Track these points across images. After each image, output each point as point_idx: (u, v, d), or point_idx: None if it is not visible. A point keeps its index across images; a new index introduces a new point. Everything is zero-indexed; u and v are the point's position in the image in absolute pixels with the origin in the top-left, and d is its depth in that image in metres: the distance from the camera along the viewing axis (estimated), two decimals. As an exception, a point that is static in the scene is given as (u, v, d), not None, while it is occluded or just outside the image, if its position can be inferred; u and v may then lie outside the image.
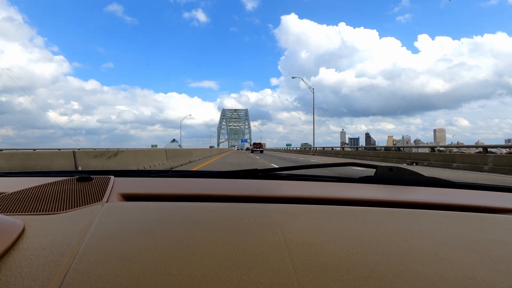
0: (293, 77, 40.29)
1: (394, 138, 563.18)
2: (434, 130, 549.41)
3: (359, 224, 0.46)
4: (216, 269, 0.31)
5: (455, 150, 18.88)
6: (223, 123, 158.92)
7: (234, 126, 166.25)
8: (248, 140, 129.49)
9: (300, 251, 0.35)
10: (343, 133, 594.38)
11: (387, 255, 0.35)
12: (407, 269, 0.32)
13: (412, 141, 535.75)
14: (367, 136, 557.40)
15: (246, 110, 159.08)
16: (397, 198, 0.65)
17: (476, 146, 15.18)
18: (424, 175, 0.86)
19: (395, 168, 0.86)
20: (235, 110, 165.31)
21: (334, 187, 0.79)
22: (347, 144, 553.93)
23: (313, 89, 35.56)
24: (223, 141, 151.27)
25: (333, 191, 0.74)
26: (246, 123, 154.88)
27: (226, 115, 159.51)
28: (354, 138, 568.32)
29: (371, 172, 0.89)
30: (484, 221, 0.50)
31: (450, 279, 0.31)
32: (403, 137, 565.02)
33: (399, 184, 0.82)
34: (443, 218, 0.51)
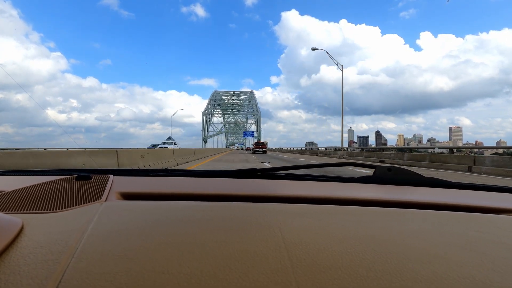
0: (313, 49, 28.74)
1: (404, 137, 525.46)
2: (450, 128, 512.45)
3: (357, 224, 0.46)
4: (215, 268, 0.31)
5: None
6: (217, 110, 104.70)
7: (233, 116, 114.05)
8: (256, 135, 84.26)
9: (299, 250, 0.35)
10: (350, 131, 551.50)
11: (385, 254, 0.36)
12: (405, 268, 0.32)
13: (425, 141, 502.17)
14: (378, 134, 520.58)
15: (251, 93, 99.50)
16: (395, 198, 0.65)
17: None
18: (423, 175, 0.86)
19: (394, 168, 0.86)
20: (234, 92, 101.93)
21: (332, 187, 0.79)
22: (356, 143, 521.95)
23: (341, 65, 25.79)
24: (213, 134, 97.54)
25: (332, 191, 0.74)
26: (252, 112, 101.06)
27: (222, 100, 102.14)
28: (363, 137, 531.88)
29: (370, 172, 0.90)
30: (482, 221, 0.50)
31: (448, 279, 0.31)
32: (414, 135, 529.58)
33: (397, 184, 0.82)
34: (441, 218, 0.51)
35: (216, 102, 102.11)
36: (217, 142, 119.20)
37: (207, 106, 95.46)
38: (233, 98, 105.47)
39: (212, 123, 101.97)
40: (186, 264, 0.32)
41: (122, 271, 0.30)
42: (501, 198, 0.74)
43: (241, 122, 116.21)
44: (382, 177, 0.86)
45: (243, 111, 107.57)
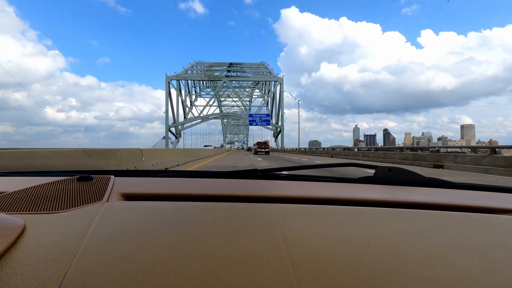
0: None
1: (413, 135, 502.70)
2: (462, 126, 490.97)
3: (358, 224, 0.46)
4: (216, 269, 0.31)
5: None
6: (206, 86, 67.02)
7: (232, 103, 78.03)
8: (274, 122, 53.50)
9: (299, 251, 0.36)
10: (356, 129, 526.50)
11: (386, 255, 0.36)
12: (406, 269, 0.32)
13: (434, 139, 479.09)
14: (386, 132, 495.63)
15: (261, 65, 60.78)
16: (396, 198, 0.65)
17: None
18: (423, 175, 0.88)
19: (394, 168, 0.87)
20: (231, 65, 61.30)
21: (333, 187, 0.79)
22: (362, 142, 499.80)
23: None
24: (194, 121, 57.82)
25: (333, 191, 0.75)
26: (261, 86, 64.72)
27: (212, 76, 59.86)
28: (370, 135, 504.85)
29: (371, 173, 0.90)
30: (483, 222, 0.50)
31: (449, 280, 0.31)
32: (423, 133, 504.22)
33: (398, 185, 0.82)
34: (442, 219, 0.51)
35: (203, 72, 58.89)
36: (207, 139, 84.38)
37: (182, 73, 54.59)
38: (230, 73, 60.84)
39: (195, 106, 61.98)
40: (187, 265, 0.32)
41: (124, 272, 0.30)
42: (502, 198, 0.74)
43: (242, 110, 70.13)
44: (383, 177, 0.86)
45: (247, 89, 66.88)
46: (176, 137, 52.09)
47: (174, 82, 53.32)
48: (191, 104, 60.83)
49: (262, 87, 68.51)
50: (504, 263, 0.35)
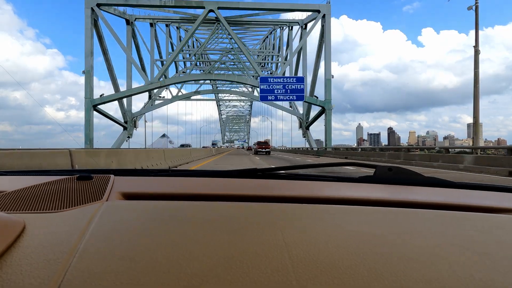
0: None
1: (417, 134, 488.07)
2: (468, 125, 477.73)
3: (358, 224, 0.47)
4: (216, 268, 0.31)
5: None
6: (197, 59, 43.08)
7: (231, 85, 50.35)
8: (305, 94, 27.90)
9: (299, 250, 0.36)
10: (359, 128, 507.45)
11: (386, 254, 0.36)
12: (406, 268, 0.32)
13: (440, 138, 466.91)
14: (390, 131, 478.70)
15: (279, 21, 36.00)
16: (396, 197, 0.65)
17: None
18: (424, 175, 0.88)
19: (394, 167, 0.88)
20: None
21: (333, 187, 0.80)
22: (366, 141, 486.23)
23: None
24: (146, 88, 31.29)
25: (332, 190, 0.74)
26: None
27: (187, 5, 37.23)
28: (374, 134, 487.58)
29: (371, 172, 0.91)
30: (483, 221, 0.50)
31: (449, 279, 0.31)
32: (428, 132, 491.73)
33: (398, 184, 0.83)
34: (442, 218, 0.51)
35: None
36: (205, 138, 64.33)
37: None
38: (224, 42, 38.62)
39: (187, 87, 35.86)
40: (187, 264, 0.32)
41: (124, 271, 0.30)
42: (502, 197, 0.74)
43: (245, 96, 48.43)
44: (383, 176, 0.86)
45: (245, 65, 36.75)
46: (124, 128, 29.94)
47: (122, 27, 29.02)
48: (165, 77, 32.25)
49: (274, 54, 45.12)
50: (504, 263, 0.35)
